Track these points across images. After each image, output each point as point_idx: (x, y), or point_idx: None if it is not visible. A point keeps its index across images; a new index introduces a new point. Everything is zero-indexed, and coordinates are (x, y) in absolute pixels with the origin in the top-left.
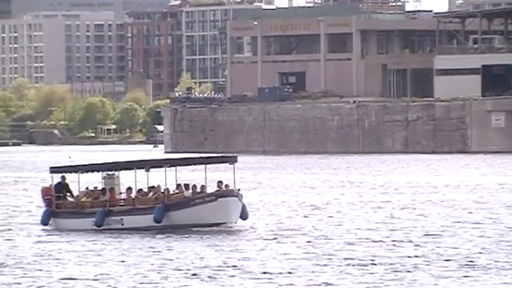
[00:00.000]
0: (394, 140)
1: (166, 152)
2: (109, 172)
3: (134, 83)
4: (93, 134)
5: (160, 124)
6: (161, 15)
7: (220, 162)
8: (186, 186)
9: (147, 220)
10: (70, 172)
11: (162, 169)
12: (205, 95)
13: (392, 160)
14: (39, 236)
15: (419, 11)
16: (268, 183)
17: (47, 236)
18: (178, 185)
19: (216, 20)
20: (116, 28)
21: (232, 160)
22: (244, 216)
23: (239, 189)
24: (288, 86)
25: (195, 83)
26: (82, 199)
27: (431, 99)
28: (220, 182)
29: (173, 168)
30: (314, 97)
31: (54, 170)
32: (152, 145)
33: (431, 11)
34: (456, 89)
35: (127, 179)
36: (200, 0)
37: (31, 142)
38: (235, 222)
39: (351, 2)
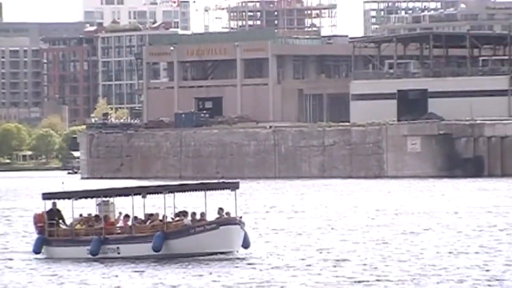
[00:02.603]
0: (310, 165)
1: (82, 178)
2: (104, 199)
3: (50, 109)
4: (8, 161)
5: (76, 150)
6: (76, 41)
7: (221, 189)
8: (185, 213)
9: (145, 248)
10: (64, 198)
11: (159, 195)
12: (122, 120)
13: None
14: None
15: (334, 36)
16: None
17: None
18: (177, 213)
19: (132, 45)
20: (32, 54)
21: (234, 187)
22: (246, 244)
23: (241, 217)
24: (204, 112)
25: (111, 108)
26: (76, 226)
27: (347, 123)
28: (221, 209)
29: (171, 195)
30: (230, 122)
31: (46, 196)
32: (67, 171)
33: (346, 36)
34: (372, 113)
35: (121, 206)
36: (115, 26)
37: None
38: (237, 251)
39: (266, 27)
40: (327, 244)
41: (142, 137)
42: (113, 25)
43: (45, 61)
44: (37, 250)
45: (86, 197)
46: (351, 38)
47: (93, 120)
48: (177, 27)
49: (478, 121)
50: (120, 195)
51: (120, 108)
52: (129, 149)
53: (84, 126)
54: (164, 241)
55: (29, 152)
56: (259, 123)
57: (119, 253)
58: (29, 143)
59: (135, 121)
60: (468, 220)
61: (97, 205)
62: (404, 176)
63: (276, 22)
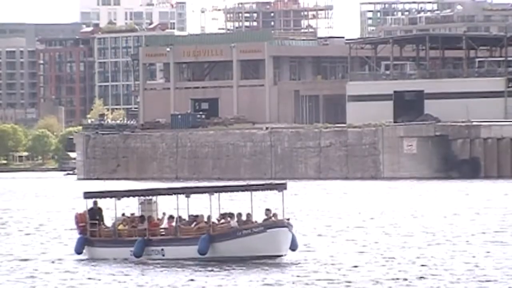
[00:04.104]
0: (307, 166)
1: (78, 179)
2: (147, 198)
3: (46, 110)
4: (4, 162)
5: (73, 151)
6: (73, 42)
7: (268, 189)
8: (231, 215)
9: (190, 251)
10: (106, 197)
11: (203, 195)
12: (118, 121)
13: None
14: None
15: (331, 37)
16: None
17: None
18: (223, 214)
19: (129, 46)
20: (28, 54)
21: (281, 188)
22: (293, 247)
23: (288, 219)
24: (201, 113)
25: (108, 109)
26: (119, 227)
27: (344, 125)
28: (268, 210)
29: (216, 195)
30: (227, 123)
31: (88, 195)
32: (66, 172)
33: (343, 37)
34: (368, 115)
35: (165, 206)
36: (112, 26)
37: None
38: (285, 254)
39: (263, 29)
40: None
41: (138, 138)
42: (110, 26)
43: (41, 62)
44: (79, 251)
45: (128, 196)
46: (347, 39)
47: (89, 121)
48: (174, 28)
49: (475, 123)
50: (163, 195)
51: (116, 109)
52: (125, 150)
53: (80, 127)
54: (210, 244)
55: (25, 153)
56: (255, 124)
57: (163, 255)
58: (25, 144)
59: (132, 122)
60: None
61: (140, 204)
62: (401, 177)
63: (272, 23)
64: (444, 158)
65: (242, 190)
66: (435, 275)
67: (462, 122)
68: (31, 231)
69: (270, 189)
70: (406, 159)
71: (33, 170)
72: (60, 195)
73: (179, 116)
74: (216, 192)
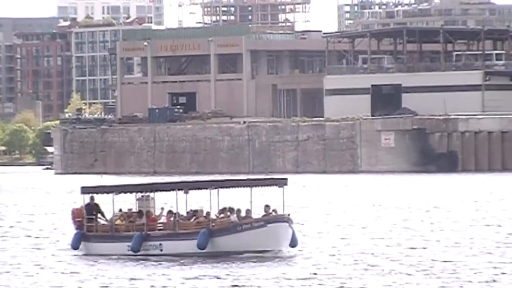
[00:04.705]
0: (284, 160)
1: (56, 174)
2: (145, 194)
3: (24, 105)
4: None
5: (50, 145)
6: (50, 36)
7: (268, 185)
8: (231, 209)
9: (189, 246)
10: (103, 192)
11: (203, 191)
12: (95, 116)
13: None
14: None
15: (308, 31)
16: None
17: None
18: (222, 209)
19: (106, 40)
20: (5, 49)
21: (282, 183)
22: (293, 243)
23: (289, 214)
24: (178, 107)
25: (85, 104)
26: (117, 222)
27: (321, 119)
28: (267, 206)
29: (215, 191)
30: (204, 118)
31: (85, 190)
32: (44, 167)
33: (320, 31)
34: (346, 109)
35: (162, 201)
36: (89, 21)
37: None
38: (284, 250)
39: (240, 23)
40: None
41: (116, 132)
42: (87, 20)
43: (18, 56)
44: (75, 246)
45: (126, 192)
46: (325, 33)
47: (67, 115)
48: (151, 22)
49: (452, 116)
50: (161, 190)
51: (94, 103)
52: (103, 145)
53: (58, 122)
54: (210, 239)
55: (3, 148)
56: (233, 118)
57: (161, 250)
58: (3, 138)
59: (109, 116)
60: None
61: (137, 200)
62: (378, 171)
63: (250, 17)
64: (422, 151)
65: (242, 186)
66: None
67: (440, 115)
68: (22, 227)
69: (270, 185)
70: (383, 153)
71: (10, 165)
72: (40, 189)
73: (157, 110)
74: (215, 187)
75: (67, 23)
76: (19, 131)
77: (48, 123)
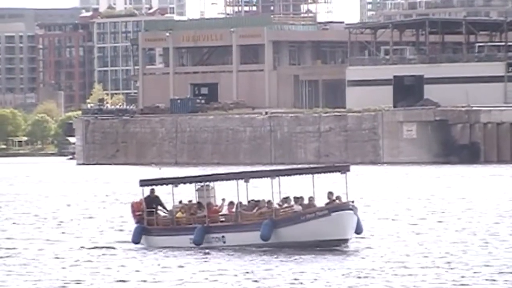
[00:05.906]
0: (306, 151)
1: (78, 164)
2: (204, 184)
3: (46, 95)
4: (4, 146)
5: (72, 136)
6: (72, 27)
7: (331, 171)
8: (297, 198)
9: (252, 237)
10: (162, 184)
11: (264, 180)
12: (117, 106)
13: None
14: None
15: (330, 22)
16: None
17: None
18: (284, 198)
19: (128, 31)
20: (27, 39)
21: (345, 169)
22: (359, 230)
23: (353, 201)
24: (200, 97)
25: (107, 94)
26: (177, 214)
27: (343, 110)
28: (330, 193)
29: (276, 179)
30: (226, 108)
31: (144, 183)
32: (68, 157)
33: (342, 22)
34: (368, 100)
35: (223, 192)
36: (111, 11)
37: None
38: (350, 238)
39: (262, 14)
40: None
41: (138, 123)
42: (109, 10)
43: (40, 46)
44: (136, 240)
45: (185, 183)
46: (347, 24)
47: (88, 106)
48: (173, 13)
49: (474, 108)
50: (222, 180)
51: (115, 94)
52: (125, 135)
53: (79, 112)
54: (273, 230)
55: (25, 138)
56: (255, 109)
57: (224, 242)
58: (25, 128)
59: (131, 107)
60: None
61: (197, 190)
62: (400, 162)
63: (272, 8)
64: (444, 143)
65: (304, 173)
66: None
67: (462, 107)
68: (71, 218)
69: (333, 171)
70: (405, 144)
71: (32, 155)
72: (66, 180)
73: (179, 101)
74: (277, 175)
75: (89, 14)
76: (41, 121)
77: (70, 113)
